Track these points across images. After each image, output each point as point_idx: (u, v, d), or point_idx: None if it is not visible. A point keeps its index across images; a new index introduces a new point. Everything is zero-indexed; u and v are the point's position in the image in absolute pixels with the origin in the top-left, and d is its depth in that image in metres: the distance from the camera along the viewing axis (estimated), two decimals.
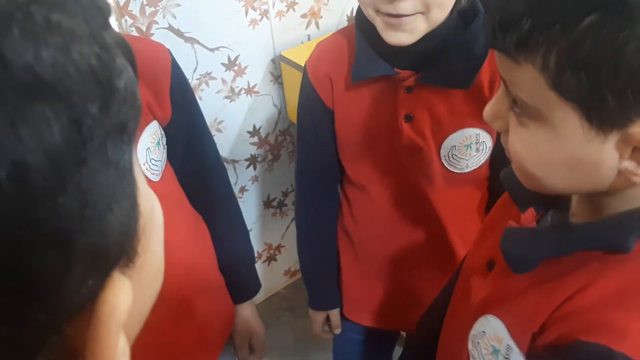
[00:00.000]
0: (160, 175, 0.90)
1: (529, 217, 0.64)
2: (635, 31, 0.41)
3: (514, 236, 0.62)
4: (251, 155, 1.70)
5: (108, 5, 0.27)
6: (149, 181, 0.85)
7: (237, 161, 1.68)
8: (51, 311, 0.23)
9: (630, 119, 0.44)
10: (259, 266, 1.99)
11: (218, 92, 1.50)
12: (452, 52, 0.87)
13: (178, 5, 1.31)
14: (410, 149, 0.95)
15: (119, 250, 0.26)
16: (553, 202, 0.64)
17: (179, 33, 1.35)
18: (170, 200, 0.92)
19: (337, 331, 1.26)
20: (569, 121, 0.47)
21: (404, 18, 0.81)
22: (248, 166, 1.72)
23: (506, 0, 0.48)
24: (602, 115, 0.45)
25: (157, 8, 1.28)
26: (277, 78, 1.62)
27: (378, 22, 0.85)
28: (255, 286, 1.18)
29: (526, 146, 0.53)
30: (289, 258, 2.09)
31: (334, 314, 1.23)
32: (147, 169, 0.86)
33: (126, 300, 0.25)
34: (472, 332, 0.67)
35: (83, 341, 0.25)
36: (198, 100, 1.46)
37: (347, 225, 1.15)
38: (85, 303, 0.25)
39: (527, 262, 0.60)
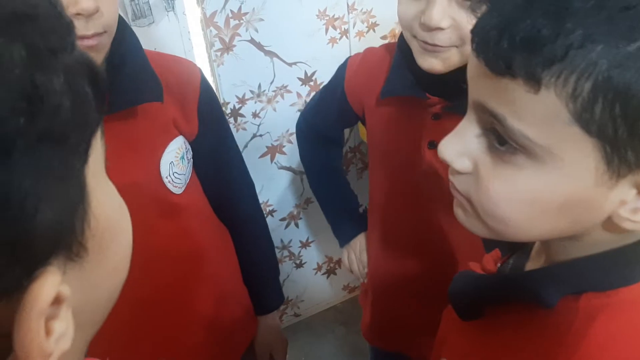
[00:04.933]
0: (184, 187, 0.93)
1: (490, 260, 0.59)
2: None
3: (461, 280, 0.57)
4: None
5: (67, 26, 0.31)
6: (171, 193, 0.91)
7: (305, 173, 1.72)
8: None
9: None
10: (318, 278, 2.02)
11: (292, 104, 1.55)
12: None
13: (261, 19, 1.37)
14: (429, 175, 0.95)
15: (50, 246, 0.29)
16: (518, 245, 0.59)
17: (259, 46, 1.41)
18: (192, 211, 0.96)
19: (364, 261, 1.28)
20: (585, 162, 0.40)
21: (439, 47, 0.82)
22: None
23: (524, 10, 0.39)
24: (626, 156, 0.39)
25: (241, 21, 1.35)
26: None
27: (414, 45, 0.86)
28: (278, 299, 1.22)
29: (511, 187, 0.44)
30: (350, 273, 2.09)
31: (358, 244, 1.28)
32: (169, 181, 0.90)
33: (49, 292, 0.28)
34: None
35: (11, 325, 0.28)
36: (272, 111, 1.53)
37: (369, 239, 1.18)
38: (11, 289, 0.27)
39: (469, 309, 0.55)
